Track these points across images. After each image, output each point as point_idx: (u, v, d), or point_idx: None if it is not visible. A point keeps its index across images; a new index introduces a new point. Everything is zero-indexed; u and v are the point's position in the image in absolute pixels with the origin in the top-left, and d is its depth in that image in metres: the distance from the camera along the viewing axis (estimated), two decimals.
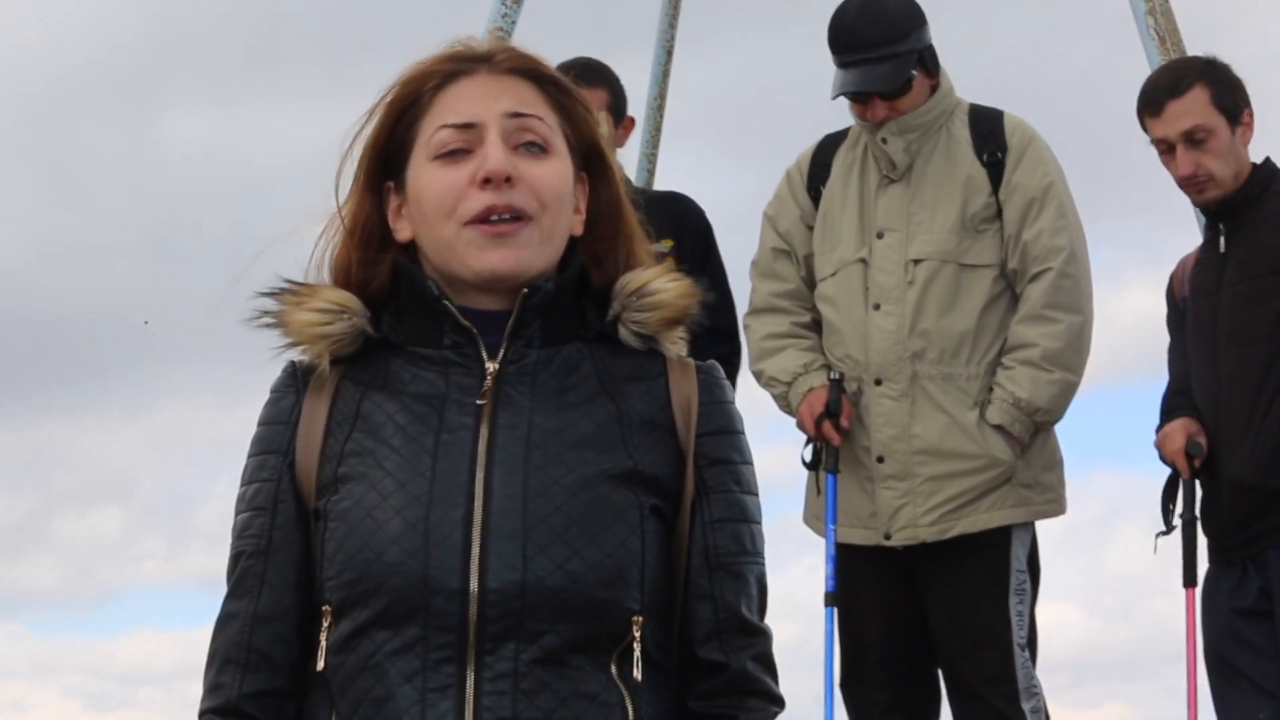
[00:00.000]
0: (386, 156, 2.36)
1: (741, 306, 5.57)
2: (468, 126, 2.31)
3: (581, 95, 2.40)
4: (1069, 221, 5.22)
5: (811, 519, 5.42)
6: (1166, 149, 5.10)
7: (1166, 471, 5.22)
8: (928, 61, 5.30)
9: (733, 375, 5.37)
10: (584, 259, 2.37)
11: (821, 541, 5.34)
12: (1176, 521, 5.23)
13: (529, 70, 2.36)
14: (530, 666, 2.19)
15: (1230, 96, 5.09)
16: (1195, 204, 5.16)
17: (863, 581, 5.26)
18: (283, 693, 2.30)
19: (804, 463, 5.39)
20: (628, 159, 6.53)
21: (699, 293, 2.39)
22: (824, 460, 5.30)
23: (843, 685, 5.34)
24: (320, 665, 2.25)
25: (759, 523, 2.38)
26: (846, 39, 5.25)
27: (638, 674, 2.24)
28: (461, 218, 2.29)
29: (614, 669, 2.23)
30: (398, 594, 2.19)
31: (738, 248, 5.77)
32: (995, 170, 5.26)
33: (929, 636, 5.21)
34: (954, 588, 5.14)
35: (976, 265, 5.21)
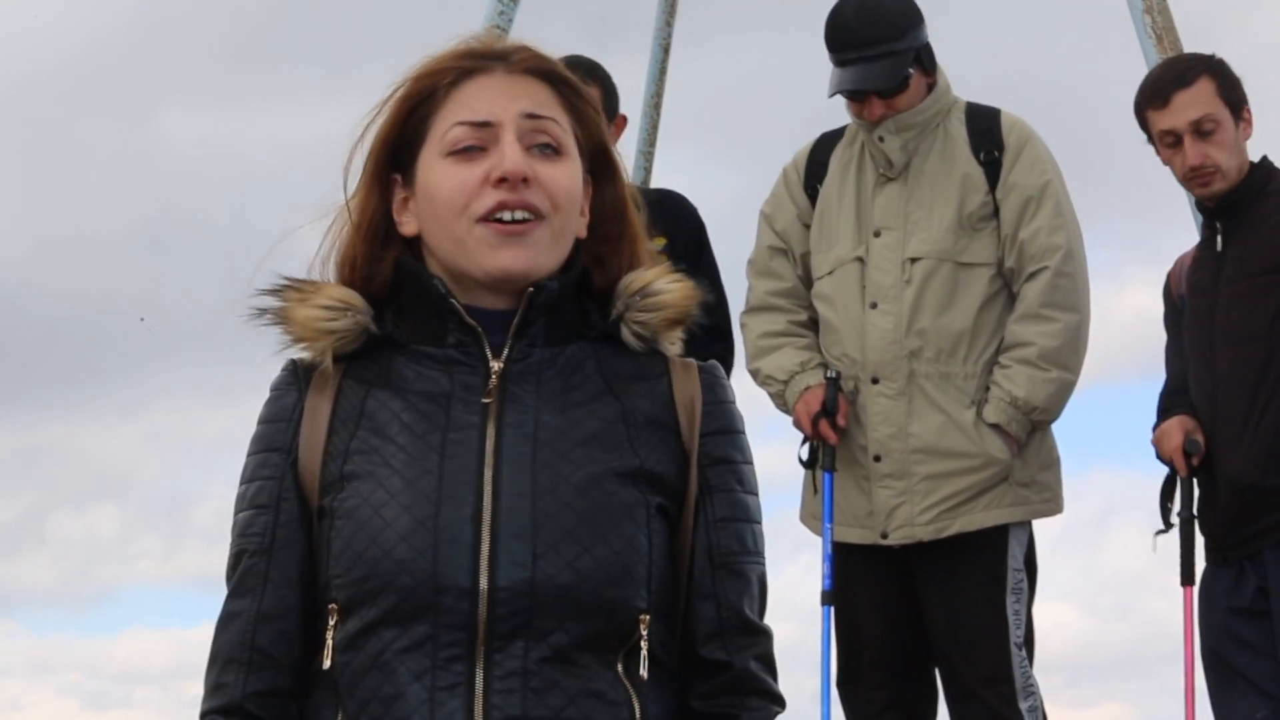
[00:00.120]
0: (396, 149, 2.35)
1: (737, 305, 5.57)
2: (484, 125, 2.30)
3: (592, 97, 2.40)
4: (1066, 220, 5.22)
5: (808, 518, 5.42)
6: (1172, 141, 5.09)
7: (1164, 470, 5.22)
8: (925, 60, 5.30)
9: (726, 373, 5.36)
10: (586, 260, 2.37)
11: (818, 540, 5.34)
12: (1174, 520, 5.22)
13: (545, 71, 2.36)
14: (539, 665, 2.19)
15: (1233, 91, 5.10)
16: (1199, 197, 5.15)
17: (860, 580, 5.26)
18: (286, 692, 2.29)
19: (801, 461, 5.40)
20: (623, 157, 6.50)
21: (700, 293, 2.40)
22: (821, 459, 5.30)
23: (840, 684, 5.33)
24: (327, 663, 2.24)
25: (760, 522, 2.39)
26: (843, 37, 5.25)
27: (644, 672, 2.24)
28: (474, 215, 2.28)
29: (620, 667, 2.24)
30: (406, 592, 2.19)
31: (735, 246, 5.77)
32: (992, 169, 5.26)
33: (926, 635, 5.21)
34: (951, 587, 5.14)
35: (973, 264, 5.21)
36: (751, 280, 5.53)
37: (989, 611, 5.09)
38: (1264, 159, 5.16)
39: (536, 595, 2.18)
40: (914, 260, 5.22)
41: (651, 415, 2.33)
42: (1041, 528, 5.30)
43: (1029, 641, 5.18)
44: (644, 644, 2.25)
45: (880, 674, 5.24)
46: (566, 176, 2.32)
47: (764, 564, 2.38)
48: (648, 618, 2.25)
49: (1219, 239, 5.12)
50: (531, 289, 2.30)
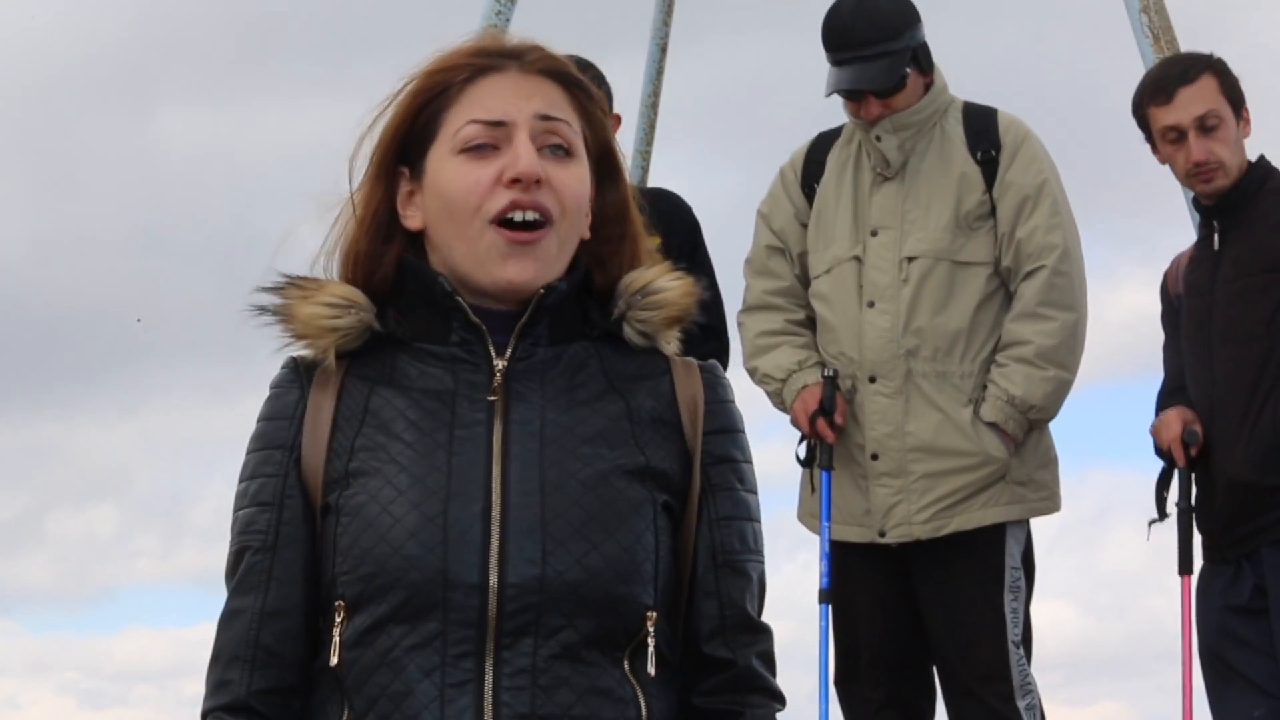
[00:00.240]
0: (405, 143, 2.35)
1: (734, 304, 5.58)
2: (498, 124, 2.30)
3: (601, 98, 2.41)
4: (1063, 219, 5.23)
5: (806, 516, 5.43)
6: (1175, 138, 5.10)
7: (1161, 468, 5.23)
8: (921, 59, 5.31)
9: None
10: (588, 260, 2.38)
11: (815, 539, 5.35)
12: (1170, 510, 5.22)
13: (558, 72, 2.36)
14: (549, 662, 2.19)
15: (1234, 89, 5.12)
16: (1201, 194, 5.15)
17: (857, 579, 5.26)
18: (290, 689, 2.28)
19: (798, 460, 5.40)
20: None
21: (699, 291, 2.41)
22: (818, 457, 5.30)
23: (837, 683, 5.34)
24: (334, 660, 2.23)
25: (759, 521, 2.40)
26: (840, 37, 5.26)
27: (651, 670, 2.25)
28: (487, 215, 2.28)
29: (626, 665, 2.24)
30: (416, 588, 2.19)
31: (732, 245, 5.77)
32: (989, 168, 5.26)
33: (924, 634, 5.21)
34: (948, 585, 5.14)
35: (970, 263, 5.22)
36: (749, 279, 5.53)
37: (986, 610, 5.10)
38: (1261, 158, 5.17)
39: (546, 592, 2.19)
40: (911, 259, 5.22)
41: (655, 413, 2.33)
42: (1039, 526, 5.31)
43: (1026, 640, 5.18)
44: (650, 641, 2.25)
45: (878, 672, 5.25)
46: (576, 180, 2.32)
47: (764, 562, 2.39)
48: (654, 615, 2.25)
49: (1216, 238, 5.12)
50: (542, 290, 2.30)
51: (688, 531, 2.32)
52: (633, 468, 2.28)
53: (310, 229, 2.39)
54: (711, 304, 5.48)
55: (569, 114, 2.34)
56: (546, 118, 2.31)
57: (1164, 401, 5.24)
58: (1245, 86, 5.17)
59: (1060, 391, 5.20)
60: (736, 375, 5.44)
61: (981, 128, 5.31)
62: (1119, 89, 5.54)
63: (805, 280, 5.44)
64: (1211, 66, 5.12)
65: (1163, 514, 5.24)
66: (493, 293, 2.31)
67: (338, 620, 2.24)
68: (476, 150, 2.30)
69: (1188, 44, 6.88)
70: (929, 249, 5.21)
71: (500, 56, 2.35)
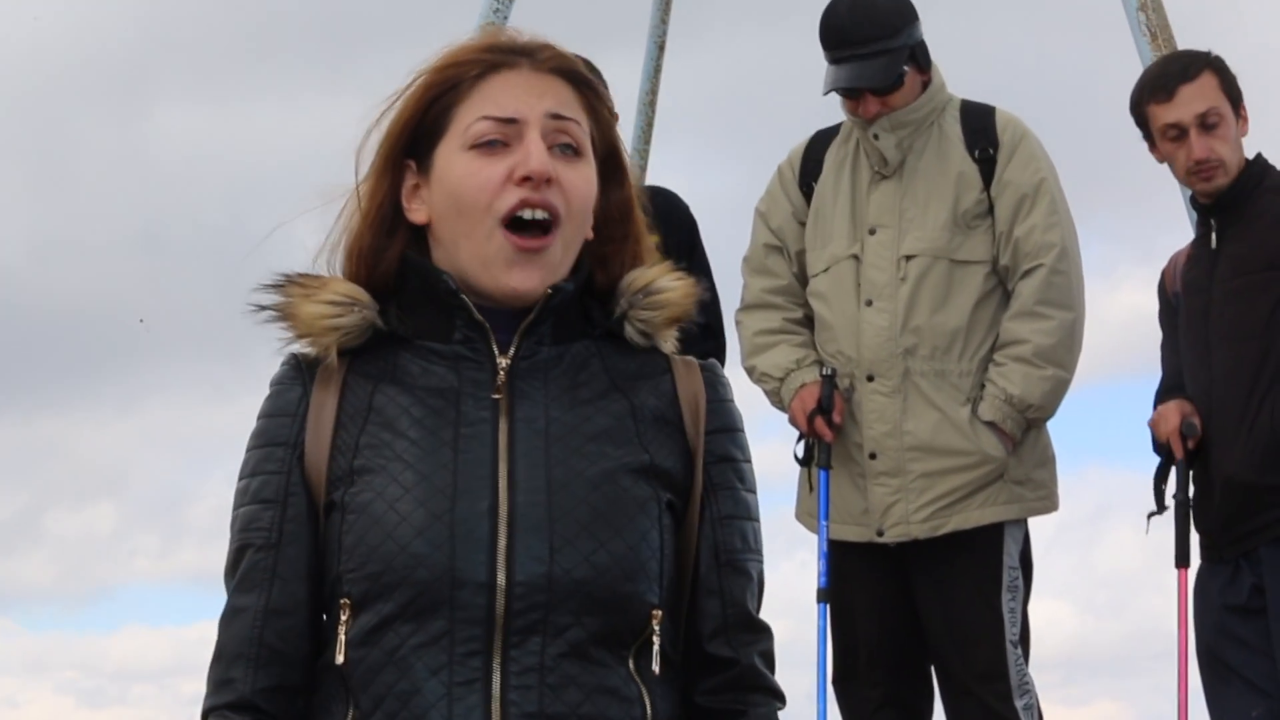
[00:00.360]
0: (414, 137, 2.34)
1: (731, 303, 5.58)
2: (510, 121, 2.30)
3: (609, 98, 2.41)
4: (1061, 218, 5.23)
5: (804, 515, 5.43)
6: (1176, 135, 5.09)
7: (1159, 461, 5.23)
8: (919, 57, 5.31)
9: None
10: (590, 260, 2.38)
11: (812, 538, 5.35)
12: (1169, 502, 5.22)
13: (569, 72, 2.36)
14: (556, 660, 2.19)
15: (1233, 87, 5.12)
16: (1200, 192, 5.15)
17: (855, 578, 5.26)
18: (294, 688, 2.28)
19: (796, 459, 5.40)
20: None
21: (700, 291, 2.42)
22: (816, 456, 5.30)
23: (835, 682, 5.34)
24: (339, 659, 2.22)
25: (759, 520, 2.41)
26: (838, 35, 5.26)
27: (656, 668, 2.25)
28: (497, 214, 2.27)
29: (631, 664, 2.24)
30: (423, 586, 2.18)
31: (729, 243, 5.77)
32: (987, 166, 5.26)
33: (921, 633, 5.21)
34: (946, 584, 5.14)
35: (968, 261, 5.22)
36: (747, 278, 5.53)
37: (984, 609, 5.10)
38: (1258, 156, 5.17)
39: (554, 590, 2.18)
40: (909, 258, 5.22)
41: (658, 412, 2.34)
42: (1036, 525, 5.32)
43: (1024, 639, 5.18)
44: (656, 640, 2.25)
45: (876, 671, 5.25)
46: (584, 181, 2.32)
47: (763, 561, 2.40)
48: (659, 613, 2.25)
49: (1214, 236, 5.12)
50: (549, 290, 2.30)
51: (690, 530, 2.32)
52: (637, 466, 2.28)
53: (305, 222, 2.39)
54: (709, 303, 5.48)
55: (579, 113, 2.34)
56: (558, 117, 2.31)
57: (1162, 400, 5.24)
58: (1242, 85, 5.18)
59: (1058, 391, 5.20)
60: (733, 374, 5.44)
61: (979, 126, 5.31)
62: (1116, 87, 5.54)
63: (803, 279, 5.43)
64: (1211, 64, 5.12)
65: (1161, 507, 5.24)
66: (496, 297, 2.31)
67: (343, 618, 2.23)
68: (487, 146, 2.30)
69: (1185, 41, 6.90)
70: (927, 247, 5.21)
71: (512, 53, 2.35)
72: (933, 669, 5.26)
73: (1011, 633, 5.11)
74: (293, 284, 2.34)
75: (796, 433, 5.36)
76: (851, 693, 5.30)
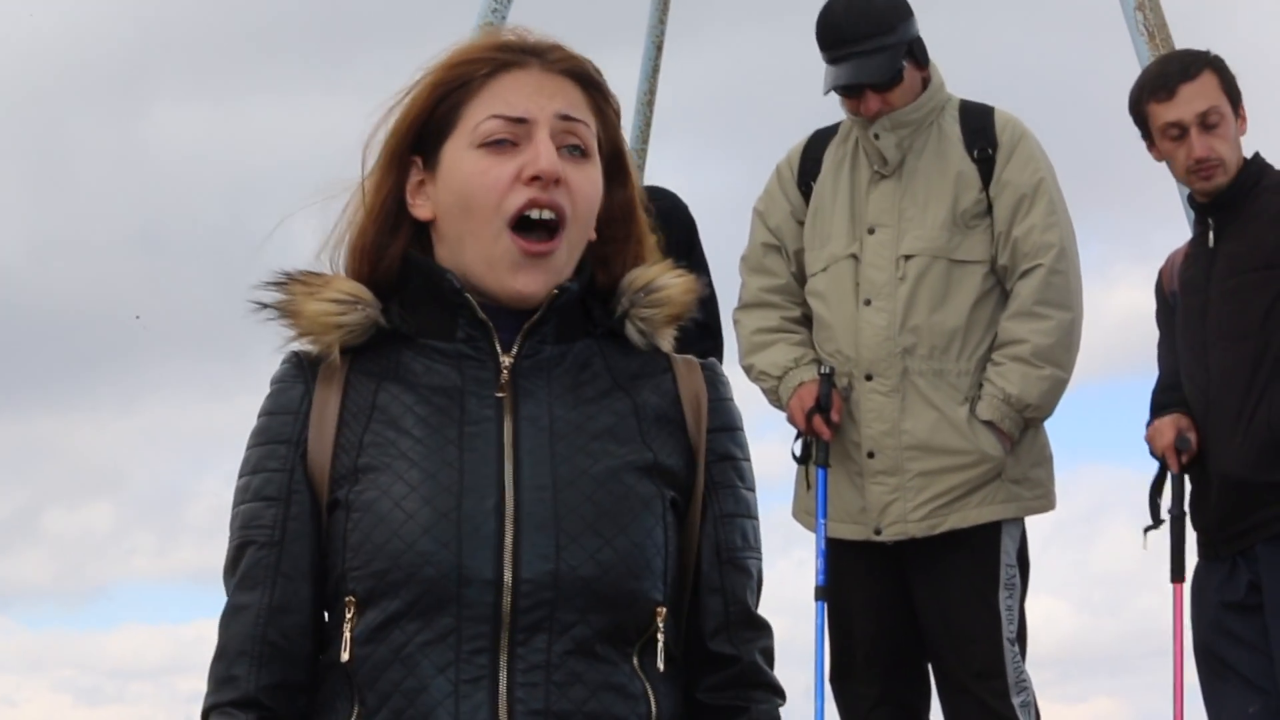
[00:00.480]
0: (421, 134, 2.34)
1: (730, 302, 5.58)
2: (519, 121, 2.30)
3: (615, 100, 2.41)
4: (1059, 218, 5.23)
5: (802, 514, 5.43)
6: (1177, 134, 5.10)
7: (1155, 467, 5.24)
8: (917, 53, 5.32)
9: None
10: (592, 259, 2.38)
11: (810, 536, 5.35)
12: (1165, 516, 5.24)
13: (578, 73, 2.36)
14: (563, 658, 2.19)
15: (1233, 86, 5.13)
16: (1199, 191, 5.15)
17: (853, 576, 5.27)
18: (297, 685, 2.28)
19: (794, 457, 5.41)
20: None
21: (700, 289, 2.42)
22: (814, 455, 5.31)
23: (833, 680, 5.35)
24: (344, 656, 2.22)
25: (758, 518, 2.41)
26: (835, 34, 5.26)
27: (660, 665, 2.26)
28: (505, 214, 2.28)
29: (635, 661, 2.25)
30: (430, 584, 2.18)
31: (728, 243, 5.77)
32: (986, 166, 5.27)
33: (919, 631, 5.22)
34: (944, 583, 5.15)
35: (967, 261, 5.23)
36: (745, 277, 5.54)
37: (982, 607, 5.11)
38: (1256, 155, 5.17)
39: (560, 587, 2.19)
40: (908, 257, 5.23)
41: (660, 411, 2.34)
42: (1034, 524, 5.33)
43: (1021, 637, 5.19)
44: (660, 637, 2.26)
45: (873, 669, 5.26)
46: (591, 182, 2.33)
47: (762, 559, 2.41)
48: (664, 611, 2.26)
49: (1211, 235, 5.13)
50: (555, 290, 2.30)
51: (692, 528, 2.33)
52: (641, 464, 2.28)
53: (306, 223, 2.39)
54: (708, 302, 5.48)
55: (586, 114, 2.34)
56: (567, 118, 2.31)
57: (1159, 399, 5.25)
58: (1239, 84, 5.18)
59: (1056, 390, 5.20)
60: (731, 373, 5.44)
61: (978, 126, 5.31)
62: (1114, 86, 5.55)
63: (801, 278, 5.44)
64: (1211, 63, 5.13)
65: (1157, 520, 5.26)
66: (500, 298, 2.31)
67: (347, 616, 2.23)
68: (496, 145, 2.30)
69: (1182, 41, 6.90)
70: (926, 247, 5.22)
71: (523, 53, 2.35)
72: (930, 667, 5.27)
73: (1009, 631, 5.12)
74: (295, 281, 2.34)
75: (794, 431, 5.37)
76: (849, 690, 5.30)
